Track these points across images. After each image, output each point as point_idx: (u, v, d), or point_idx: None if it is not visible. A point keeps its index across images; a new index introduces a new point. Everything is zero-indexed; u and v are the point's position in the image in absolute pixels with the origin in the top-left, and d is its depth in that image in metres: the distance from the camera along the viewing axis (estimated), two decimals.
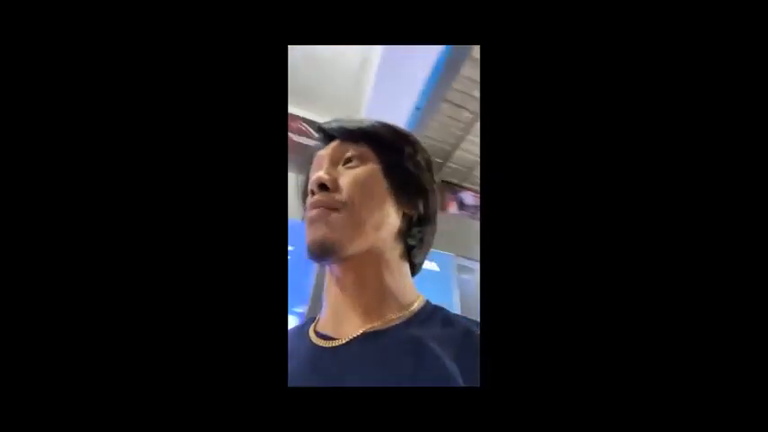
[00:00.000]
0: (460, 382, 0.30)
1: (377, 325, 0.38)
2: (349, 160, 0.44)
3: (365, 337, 0.37)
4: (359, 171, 0.43)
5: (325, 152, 0.45)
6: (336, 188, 0.41)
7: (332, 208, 0.39)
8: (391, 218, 0.43)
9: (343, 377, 0.34)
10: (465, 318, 0.40)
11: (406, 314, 0.40)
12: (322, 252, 0.39)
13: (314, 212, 0.40)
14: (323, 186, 0.41)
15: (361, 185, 0.42)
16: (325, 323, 0.42)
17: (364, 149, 0.44)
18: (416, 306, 0.41)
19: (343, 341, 0.37)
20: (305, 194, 0.45)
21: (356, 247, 0.40)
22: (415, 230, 0.46)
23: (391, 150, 0.45)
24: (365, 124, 0.45)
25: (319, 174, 0.41)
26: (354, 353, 0.36)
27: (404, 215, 0.45)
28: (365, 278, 0.41)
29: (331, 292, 0.43)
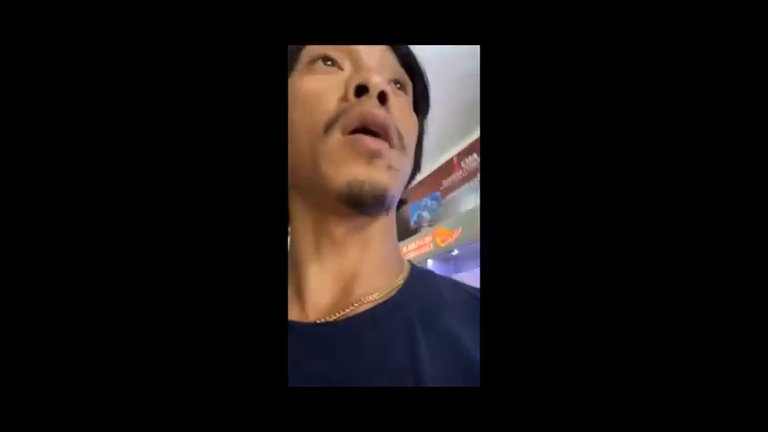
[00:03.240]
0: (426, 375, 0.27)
1: (376, 297, 0.30)
2: (395, 83, 0.32)
3: (361, 316, 0.30)
4: (405, 101, 0.32)
5: (369, 54, 0.31)
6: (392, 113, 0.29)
7: (389, 141, 0.28)
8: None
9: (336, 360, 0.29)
10: (451, 280, 0.35)
11: (400, 282, 0.32)
12: (374, 201, 0.28)
13: (374, 142, 0.28)
14: (382, 98, 0.28)
15: (411, 121, 0.32)
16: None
17: (404, 74, 0.33)
18: (407, 271, 0.33)
19: (335, 318, 0.30)
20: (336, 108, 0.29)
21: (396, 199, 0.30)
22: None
23: (421, 79, 0.34)
24: None
25: (380, 80, 0.28)
26: (350, 332, 0.29)
27: None
28: (372, 239, 0.32)
29: (317, 259, 0.31)
